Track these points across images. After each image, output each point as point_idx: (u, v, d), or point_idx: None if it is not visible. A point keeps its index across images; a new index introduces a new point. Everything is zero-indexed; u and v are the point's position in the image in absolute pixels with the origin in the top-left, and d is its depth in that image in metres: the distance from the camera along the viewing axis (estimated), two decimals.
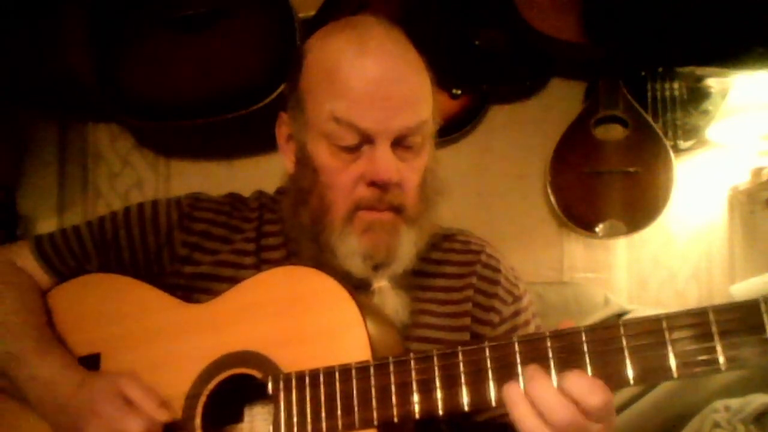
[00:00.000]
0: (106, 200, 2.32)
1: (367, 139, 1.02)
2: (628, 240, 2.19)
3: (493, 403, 0.81)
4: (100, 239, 1.18)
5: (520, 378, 0.79)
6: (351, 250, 1.04)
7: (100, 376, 1.01)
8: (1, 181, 2.19)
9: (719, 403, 1.67)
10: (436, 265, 1.17)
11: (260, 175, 2.16)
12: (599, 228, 2.09)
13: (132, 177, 2.33)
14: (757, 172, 2.07)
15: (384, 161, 1.01)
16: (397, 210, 1.05)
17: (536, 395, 0.77)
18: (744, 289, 1.98)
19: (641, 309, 1.97)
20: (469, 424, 1.06)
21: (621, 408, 1.81)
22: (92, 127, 2.34)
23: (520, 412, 0.77)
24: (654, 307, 2.10)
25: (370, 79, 1.01)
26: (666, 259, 2.21)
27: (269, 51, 1.98)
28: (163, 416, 0.95)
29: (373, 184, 1.02)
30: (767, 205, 2.01)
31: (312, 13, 2.10)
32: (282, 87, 1.89)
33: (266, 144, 2.15)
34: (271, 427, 0.91)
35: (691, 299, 2.19)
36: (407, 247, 1.06)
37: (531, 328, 1.16)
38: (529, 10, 2.07)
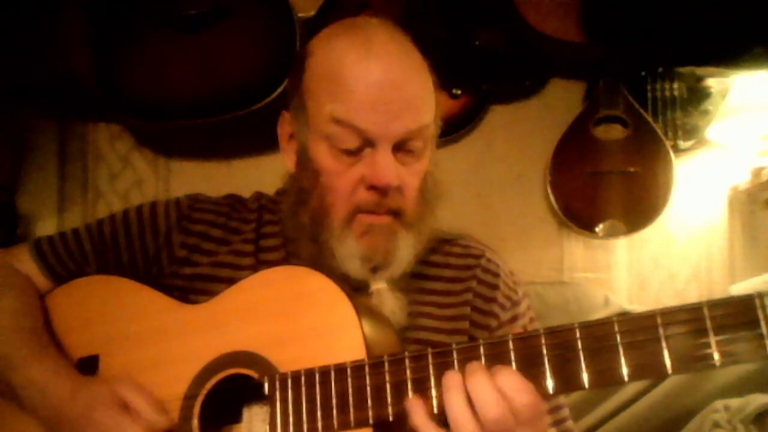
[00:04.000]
0: (106, 200, 2.31)
1: (368, 143, 1.01)
2: (628, 240, 2.19)
3: None
4: (99, 242, 1.17)
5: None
6: (349, 252, 1.03)
7: (97, 381, 1.00)
8: (1, 181, 2.19)
9: (719, 403, 1.67)
10: (436, 268, 1.16)
11: (260, 175, 2.17)
12: (599, 228, 2.09)
13: (132, 177, 2.33)
14: (757, 172, 2.07)
15: (384, 165, 1.01)
16: (396, 214, 1.04)
17: (474, 388, 0.78)
18: (744, 289, 1.97)
19: (641, 309, 1.97)
20: None
21: (621, 408, 1.82)
22: (92, 127, 2.34)
23: (452, 398, 0.79)
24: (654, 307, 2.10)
25: (372, 82, 1.00)
26: (666, 259, 2.21)
27: (269, 51, 1.98)
28: (162, 421, 0.94)
29: (372, 188, 1.02)
30: (767, 205, 2.01)
31: (312, 13, 2.11)
32: (282, 87, 1.90)
33: (266, 144, 2.15)
34: (268, 427, 0.91)
35: (691, 299, 2.13)
36: (405, 251, 1.05)
37: None
38: (529, 10, 2.07)
